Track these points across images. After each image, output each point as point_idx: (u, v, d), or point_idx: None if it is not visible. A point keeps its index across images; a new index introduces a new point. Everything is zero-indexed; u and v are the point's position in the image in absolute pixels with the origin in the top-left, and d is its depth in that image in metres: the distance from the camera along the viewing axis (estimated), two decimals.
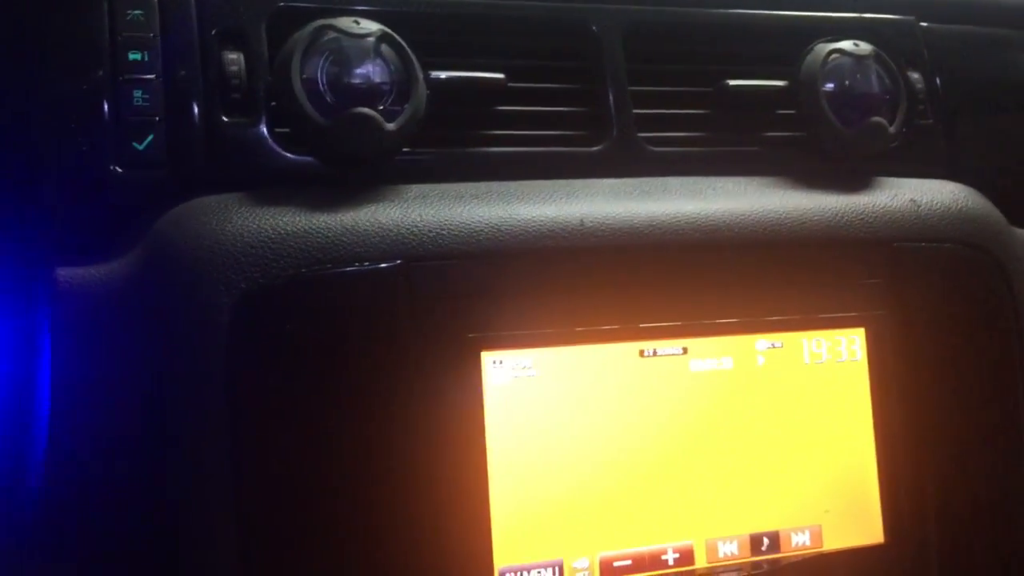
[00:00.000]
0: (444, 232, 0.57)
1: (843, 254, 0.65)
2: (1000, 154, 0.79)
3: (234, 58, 0.59)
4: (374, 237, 0.55)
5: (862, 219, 0.66)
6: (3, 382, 0.52)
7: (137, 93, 0.56)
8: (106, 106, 0.56)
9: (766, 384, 0.62)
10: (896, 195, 0.69)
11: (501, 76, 0.64)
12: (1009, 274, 0.69)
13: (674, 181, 0.66)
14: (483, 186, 0.61)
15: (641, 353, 0.60)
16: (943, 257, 0.67)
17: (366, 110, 0.57)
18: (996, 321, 0.68)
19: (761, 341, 0.62)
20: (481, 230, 0.58)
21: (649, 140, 0.68)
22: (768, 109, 0.71)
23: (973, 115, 0.77)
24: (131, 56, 0.56)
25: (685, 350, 0.61)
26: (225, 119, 0.58)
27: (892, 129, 0.69)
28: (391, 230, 0.56)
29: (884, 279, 0.66)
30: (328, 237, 0.55)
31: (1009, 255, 0.69)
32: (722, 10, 0.71)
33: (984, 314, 0.68)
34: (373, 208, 0.57)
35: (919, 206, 0.68)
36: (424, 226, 0.57)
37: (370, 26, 0.59)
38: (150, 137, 0.56)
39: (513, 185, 0.62)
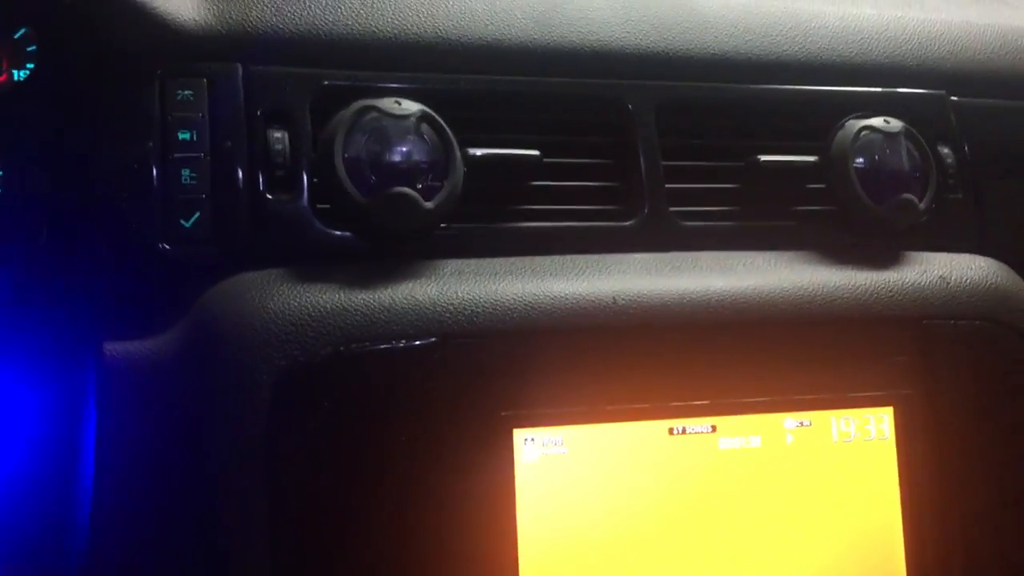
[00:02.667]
0: (479, 310, 0.58)
1: (872, 331, 0.66)
2: None
3: (279, 136, 0.60)
4: (411, 315, 0.57)
5: (891, 296, 0.67)
6: (49, 452, 0.54)
7: (185, 172, 0.58)
8: (155, 184, 0.58)
9: (794, 463, 0.63)
10: (925, 271, 0.69)
11: (536, 153, 0.65)
12: None
13: (705, 256, 0.67)
14: (517, 262, 0.62)
15: (670, 431, 0.61)
16: (972, 335, 0.68)
17: (405, 189, 0.58)
18: None
19: (789, 420, 0.63)
20: (515, 308, 0.59)
21: (681, 215, 0.69)
22: (799, 184, 0.72)
23: (1002, 187, 0.78)
24: (180, 135, 0.58)
25: (714, 428, 0.62)
26: (269, 196, 0.60)
27: (922, 205, 0.70)
28: (428, 307, 0.57)
29: (913, 357, 0.66)
30: (366, 315, 0.56)
31: None
32: (753, 86, 0.73)
33: (1015, 392, 0.68)
34: (410, 285, 0.58)
35: (948, 283, 0.69)
36: (459, 304, 0.58)
37: (411, 106, 0.60)
38: (197, 214, 0.58)
39: (547, 260, 0.63)
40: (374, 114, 0.59)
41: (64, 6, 0.57)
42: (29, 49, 0.61)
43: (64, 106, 0.59)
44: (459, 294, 0.58)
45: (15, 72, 0.61)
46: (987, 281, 0.70)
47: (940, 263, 0.70)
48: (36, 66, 0.61)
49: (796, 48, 0.74)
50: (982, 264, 0.72)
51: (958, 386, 0.66)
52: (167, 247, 0.57)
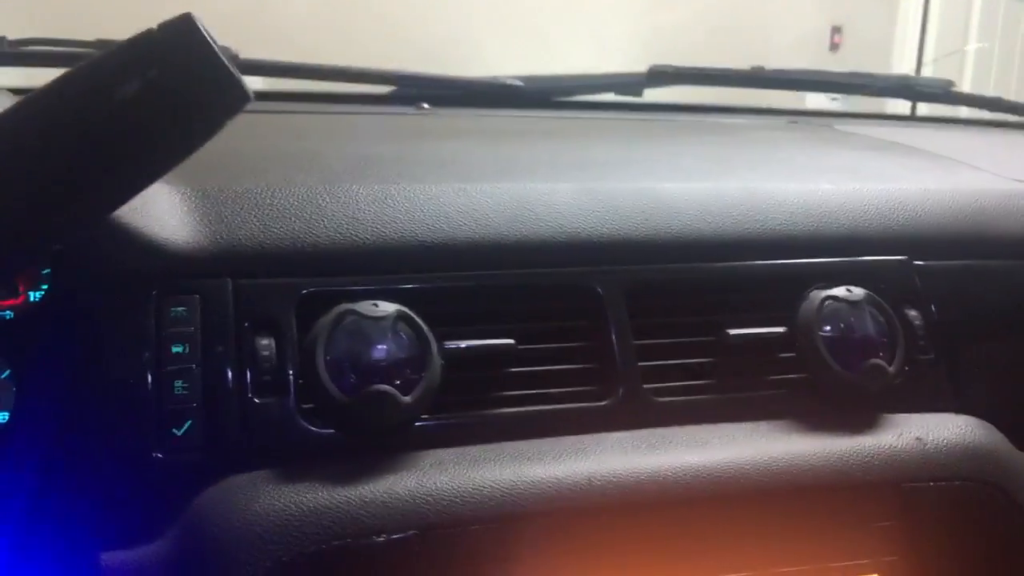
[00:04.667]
0: (457, 499, 0.60)
1: (852, 498, 0.67)
2: (1007, 381, 0.81)
3: (266, 343, 0.65)
4: (391, 508, 0.59)
5: (868, 461, 0.68)
6: None
7: (178, 383, 0.62)
8: (149, 396, 0.62)
9: None
10: (901, 434, 0.71)
11: (511, 341, 0.69)
12: (1023, 508, 0.69)
13: (680, 432, 0.69)
14: (496, 448, 0.65)
15: None
16: (953, 495, 0.69)
17: (384, 386, 0.62)
18: (1014, 560, 0.68)
19: None
20: (492, 496, 0.61)
21: (655, 391, 0.72)
22: (770, 355, 0.75)
23: (975, 346, 0.80)
24: (174, 349, 0.63)
25: None
26: (256, 400, 0.64)
27: (892, 369, 0.72)
28: (407, 500, 0.60)
29: (895, 522, 0.67)
30: (347, 511, 0.59)
31: (1021, 488, 0.70)
32: (719, 264, 0.77)
33: (1001, 553, 0.68)
34: (391, 478, 0.61)
35: (925, 444, 0.70)
36: (438, 494, 0.60)
37: (387, 308, 0.65)
38: (188, 423, 0.61)
39: (525, 445, 0.66)
40: (353, 317, 0.64)
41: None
42: (44, 272, 0.67)
43: (71, 325, 0.64)
44: (438, 485, 0.61)
45: (31, 294, 0.66)
46: (964, 439, 0.71)
47: (916, 424, 0.72)
48: (49, 288, 0.66)
49: (758, 226, 0.78)
50: (959, 423, 0.73)
51: (943, 548, 0.67)
52: (160, 456, 0.61)
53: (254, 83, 1.37)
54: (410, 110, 1.18)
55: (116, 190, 0.53)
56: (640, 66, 1.28)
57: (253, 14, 3.08)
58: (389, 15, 3.29)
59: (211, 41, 0.49)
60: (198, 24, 0.49)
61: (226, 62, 0.49)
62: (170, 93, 0.50)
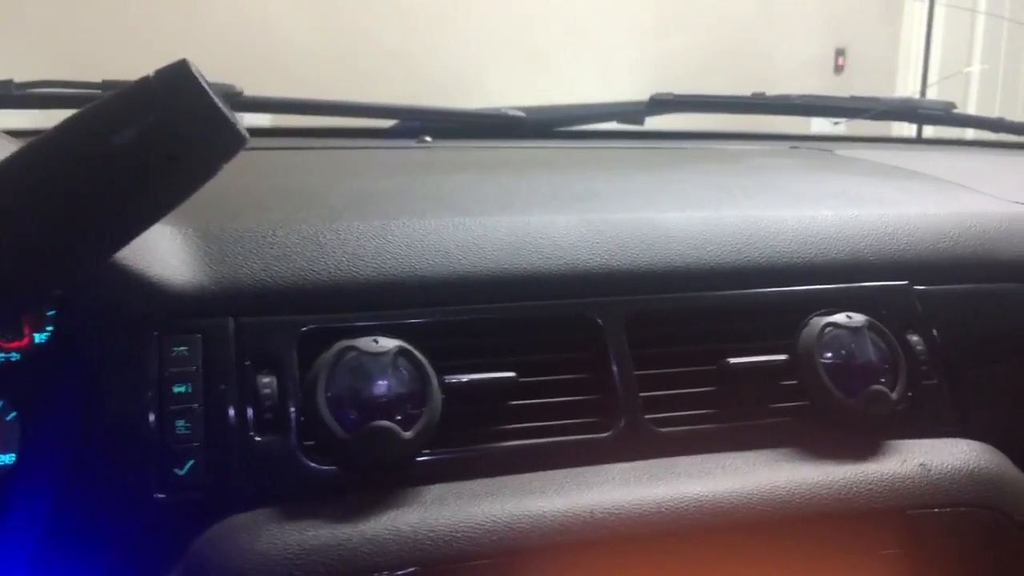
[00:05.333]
0: (458, 535, 0.60)
1: (855, 526, 0.67)
2: (1012, 405, 0.80)
3: (267, 381, 0.65)
4: (392, 545, 0.59)
5: (871, 488, 0.68)
6: None
7: (180, 423, 0.63)
8: (151, 436, 0.62)
9: None
10: (905, 460, 0.70)
11: (512, 375, 0.69)
12: None
13: (683, 462, 0.69)
14: (497, 482, 0.65)
15: None
16: (958, 521, 0.68)
17: (384, 423, 0.62)
18: None
19: None
20: (494, 530, 0.61)
21: (657, 422, 0.72)
22: (771, 383, 0.75)
23: (979, 369, 0.80)
24: (175, 389, 0.63)
25: None
26: (258, 439, 0.64)
27: (895, 395, 0.72)
28: (408, 536, 0.60)
29: (900, 549, 0.67)
30: (349, 548, 0.59)
31: None
32: (719, 292, 0.77)
33: None
34: (392, 514, 0.61)
35: (929, 470, 0.70)
36: (439, 530, 0.60)
37: (388, 343, 0.65)
38: (191, 463, 0.62)
39: (526, 478, 0.66)
40: (353, 353, 0.64)
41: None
42: (49, 313, 0.67)
43: (75, 367, 0.65)
44: (439, 520, 0.61)
45: (35, 336, 0.67)
46: (968, 464, 0.71)
47: (920, 450, 0.72)
48: (54, 329, 0.67)
49: (757, 254, 0.79)
50: (964, 447, 0.73)
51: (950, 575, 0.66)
52: (161, 496, 0.61)
53: (259, 120, 1.39)
54: (412, 143, 1.19)
55: (117, 233, 0.54)
56: (646, 93, 1.29)
57: (257, 47, 3.12)
58: (394, 47, 3.33)
59: (206, 87, 0.50)
60: (193, 71, 0.50)
61: (221, 107, 0.50)
62: (167, 137, 0.51)
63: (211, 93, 0.50)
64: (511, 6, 3.54)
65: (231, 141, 0.52)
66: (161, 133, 0.50)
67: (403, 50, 3.31)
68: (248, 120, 1.26)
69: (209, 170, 0.53)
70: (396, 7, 3.39)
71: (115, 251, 0.56)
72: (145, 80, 0.51)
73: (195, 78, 0.50)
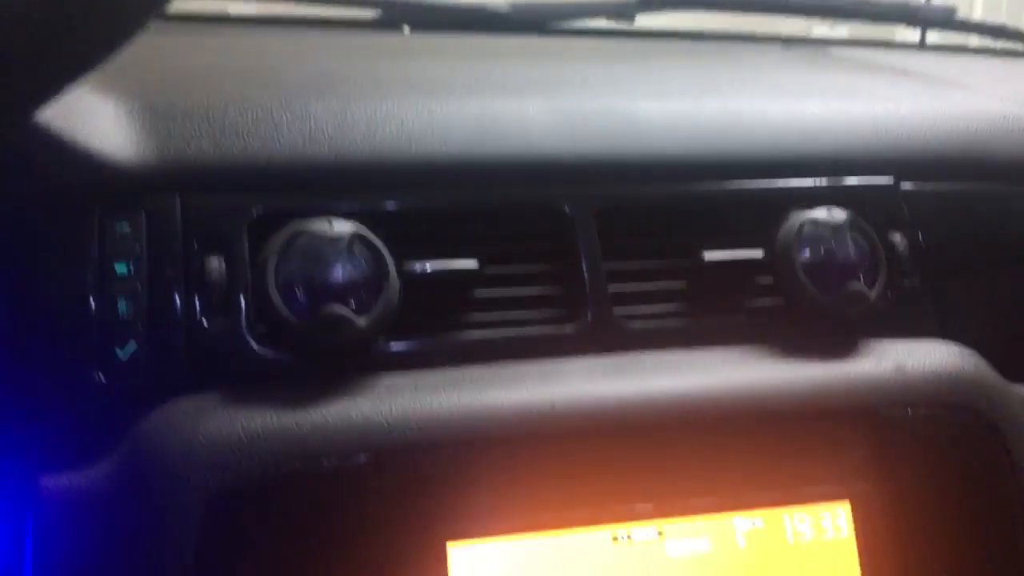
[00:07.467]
0: (411, 424, 0.58)
1: (826, 425, 0.65)
2: (995, 309, 0.78)
3: (216, 263, 0.62)
4: (343, 432, 0.57)
5: (844, 387, 0.66)
6: None
7: (121, 303, 0.60)
8: (91, 317, 0.59)
9: (748, 567, 0.61)
10: (881, 360, 0.68)
11: (474, 262, 0.66)
12: (1005, 436, 0.67)
13: (649, 357, 0.67)
14: (456, 373, 0.63)
15: (615, 539, 0.60)
16: (931, 422, 0.66)
17: (337, 308, 0.60)
18: (993, 487, 0.66)
19: (740, 519, 0.62)
20: (447, 420, 0.59)
21: (626, 316, 0.69)
22: (746, 279, 0.72)
23: (963, 272, 0.77)
24: (117, 268, 0.60)
25: (661, 534, 0.60)
26: (205, 322, 0.61)
27: (873, 294, 0.70)
28: (360, 424, 0.58)
29: (869, 449, 0.65)
30: (297, 435, 0.57)
31: (1004, 416, 0.68)
32: (695, 185, 0.73)
33: (979, 481, 0.66)
34: (344, 402, 0.59)
35: (904, 370, 0.68)
36: (391, 419, 0.58)
37: (343, 227, 0.62)
38: (133, 346, 0.59)
39: (486, 370, 0.64)
40: (306, 236, 0.61)
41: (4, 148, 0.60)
42: None
43: (8, 243, 0.61)
44: (392, 409, 0.59)
45: None
46: (946, 366, 0.69)
47: (896, 350, 0.69)
48: None
49: (737, 145, 0.75)
50: (942, 349, 0.70)
51: (919, 476, 0.65)
52: (102, 378, 0.59)
53: (244, 8, 1.33)
54: (390, 35, 1.14)
55: (33, 83, 0.50)
56: None
57: None
58: None
59: None
60: None
61: None
62: None
63: None
64: None
65: None
66: None
67: None
68: (232, 8, 1.21)
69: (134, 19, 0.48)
70: None
71: (34, 105, 0.52)
72: None
73: None
